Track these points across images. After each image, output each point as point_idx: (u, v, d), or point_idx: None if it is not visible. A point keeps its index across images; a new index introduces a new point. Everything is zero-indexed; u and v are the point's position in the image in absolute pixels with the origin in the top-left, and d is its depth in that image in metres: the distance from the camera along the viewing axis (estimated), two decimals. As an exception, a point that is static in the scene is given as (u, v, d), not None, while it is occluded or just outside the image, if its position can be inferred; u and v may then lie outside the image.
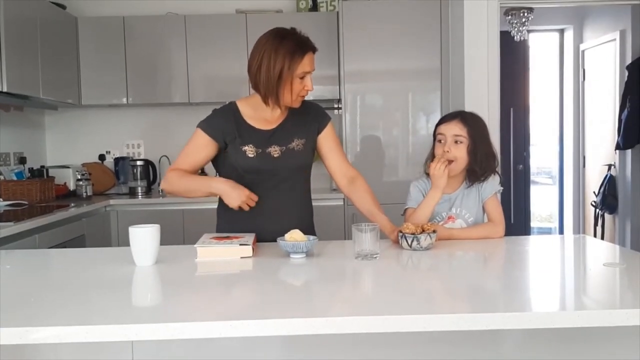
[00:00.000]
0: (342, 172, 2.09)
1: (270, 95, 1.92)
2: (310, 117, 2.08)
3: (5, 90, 3.15)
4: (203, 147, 1.99)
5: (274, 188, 1.99)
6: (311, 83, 1.93)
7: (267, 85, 1.90)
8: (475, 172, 2.06)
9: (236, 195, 1.88)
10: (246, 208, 1.90)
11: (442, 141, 2.07)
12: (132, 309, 1.36)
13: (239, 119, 2.00)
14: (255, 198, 1.91)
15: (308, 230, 1.91)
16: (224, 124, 1.98)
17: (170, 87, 4.15)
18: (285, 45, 1.87)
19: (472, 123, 2.07)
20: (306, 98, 2.01)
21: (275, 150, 1.98)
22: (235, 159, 1.97)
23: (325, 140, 2.09)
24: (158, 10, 4.25)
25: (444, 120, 2.12)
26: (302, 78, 1.91)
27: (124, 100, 4.14)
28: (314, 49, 1.93)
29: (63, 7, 3.99)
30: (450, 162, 2.02)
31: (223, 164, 2.03)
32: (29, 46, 3.45)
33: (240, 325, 1.16)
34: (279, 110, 2.02)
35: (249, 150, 1.96)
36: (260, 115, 2.01)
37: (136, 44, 4.10)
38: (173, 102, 4.20)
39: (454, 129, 2.05)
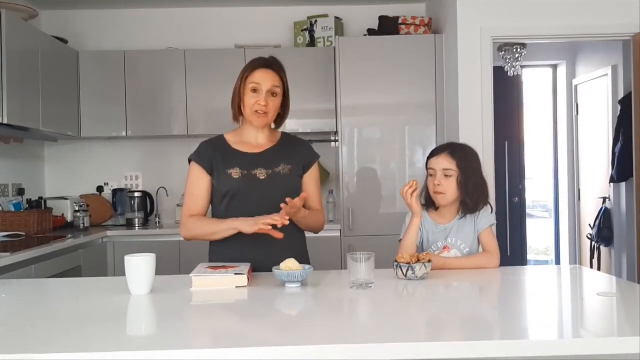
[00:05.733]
0: (309, 206, 2.10)
1: (232, 108, 2.04)
2: (299, 151, 2.13)
3: (5, 122, 3.19)
4: (201, 177, 2.03)
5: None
6: (265, 99, 1.98)
7: (232, 99, 2.03)
8: (468, 204, 2.08)
9: (251, 222, 1.86)
10: (267, 227, 1.83)
11: (433, 175, 2.09)
12: (128, 337, 1.36)
13: (224, 146, 2.07)
14: (269, 220, 1.82)
15: (302, 259, 1.91)
16: (211, 151, 2.05)
17: (170, 119, 4.20)
18: (247, 64, 2.03)
19: (462, 155, 2.10)
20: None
21: (261, 173, 2.02)
22: (221, 183, 2.00)
23: (309, 177, 2.13)
24: (158, 45, 4.34)
25: (433, 153, 2.14)
26: (254, 91, 1.98)
27: (124, 133, 4.18)
28: (271, 67, 2.01)
29: (65, 41, 4.07)
30: (415, 190, 2.02)
31: (213, 194, 2.05)
32: (31, 79, 3.50)
33: (236, 353, 1.16)
34: (263, 135, 2.07)
35: (234, 173, 2.00)
36: (246, 141, 2.07)
37: (136, 77, 4.16)
38: (172, 135, 4.24)
39: (443, 163, 2.08)
